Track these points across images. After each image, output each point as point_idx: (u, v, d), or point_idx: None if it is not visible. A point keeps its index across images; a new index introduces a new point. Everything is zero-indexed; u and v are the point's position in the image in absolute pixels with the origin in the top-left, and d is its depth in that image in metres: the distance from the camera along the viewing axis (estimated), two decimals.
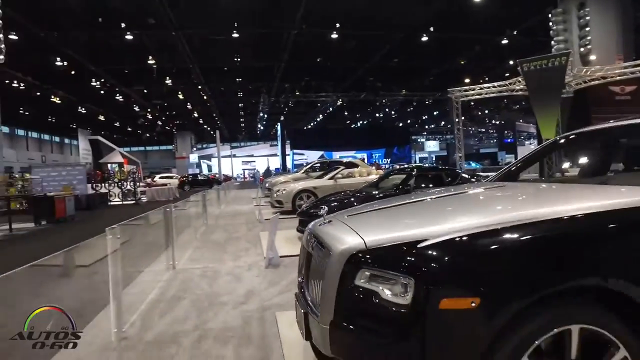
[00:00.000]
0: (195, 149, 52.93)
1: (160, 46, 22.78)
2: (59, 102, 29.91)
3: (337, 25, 20.75)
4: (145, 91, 30.71)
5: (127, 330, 2.86)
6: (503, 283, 1.30)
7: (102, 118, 38.44)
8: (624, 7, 16.32)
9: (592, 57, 16.04)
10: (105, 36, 20.52)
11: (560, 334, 1.26)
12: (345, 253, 1.47)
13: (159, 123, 42.53)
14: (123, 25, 19.19)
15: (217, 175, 30.15)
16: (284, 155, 35.09)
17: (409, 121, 40.01)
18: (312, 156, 32.42)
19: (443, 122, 38.07)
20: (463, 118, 21.46)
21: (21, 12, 16.14)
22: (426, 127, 45.18)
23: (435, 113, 35.11)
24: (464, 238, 1.37)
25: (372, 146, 34.12)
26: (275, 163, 38.10)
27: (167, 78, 27.72)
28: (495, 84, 13.44)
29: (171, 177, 28.14)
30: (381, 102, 31.07)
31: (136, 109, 35.66)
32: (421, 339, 1.26)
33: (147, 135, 51.43)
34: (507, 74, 24.01)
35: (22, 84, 25.57)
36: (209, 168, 47.88)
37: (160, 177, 27.76)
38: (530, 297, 1.26)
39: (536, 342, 1.25)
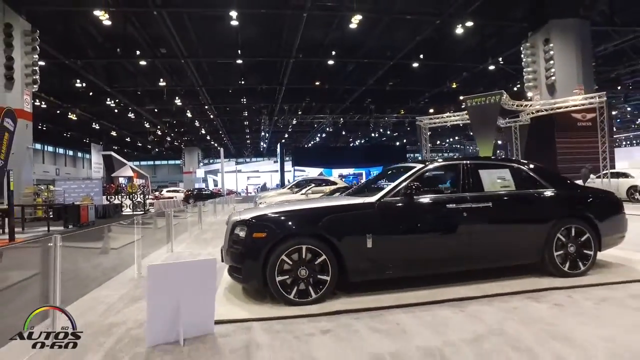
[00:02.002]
0: (202, 164, 55.73)
1: (171, 71, 25.65)
2: (75, 119, 32.87)
3: (333, 53, 23.20)
4: (155, 110, 33.56)
5: (144, 270, 5.11)
6: (276, 228, 3.47)
7: (114, 134, 41.48)
8: (583, 43, 18.52)
9: (556, 87, 18.27)
10: (122, 62, 23.36)
11: (298, 248, 3.43)
12: (234, 222, 3.71)
13: (168, 139, 45.43)
14: (138, 52, 21.94)
15: (220, 190, 32.65)
16: (282, 172, 37.62)
17: (404, 140, 42.35)
18: (313, 173, 34.74)
19: (438, 142, 40.41)
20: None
21: (50, 42, 18.93)
22: (437, 142, 47.65)
23: (429, 134, 37.34)
24: (270, 214, 3.63)
25: (370, 164, 36.25)
26: (277, 179, 40.67)
27: (177, 98, 30.50)
28: (456, 113, 15.65)
29: (177, 191, 30.74)
30: (378, 122, 33.42)
31: (147, 125, 38.58)
32: (247, 248, 3.45)
33: (156, 150, 54.49)
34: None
35: (43, 103, 28.54)
36: (215, 183, 50.55)
37: (167, 191, 30.38)
38: (286, 234, 3.44)
39: (287, 250, 3.43)
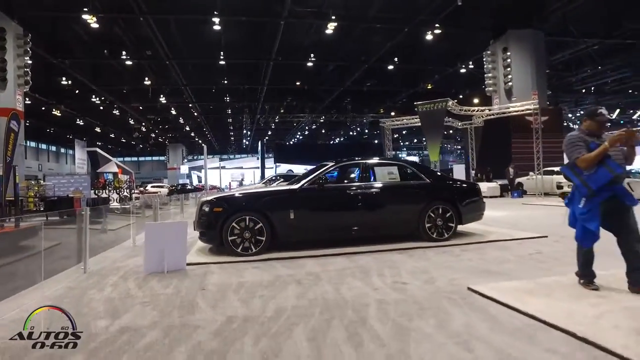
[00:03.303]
0: (186, 160, 57.00)
1: (156, 70, 27.05)
2: (60, 115, 33.92)
3: (312, 55, 24.89)
4: (141, 108, 34.88)
5: (137, 243, 6.81)
6: (228, 205, 5.22)
7: (98, 130, 42.56)
8: (538, 52, 20.61)
9: (513, 92, 20.32)
10: (108, 62, 24.70)
11: (243, 218, 5.12)
12: (201, 201, 5.45)
13: (152, 135, 46.67)
14: (124, 53, 23.31)
15: (203, 186, 34.19)
16: (263, 168, 39.36)
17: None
18: (296, 169, 36.41)
19: (415, 140, 42.66)
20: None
21: (38, 43, 20.21)
22: (406, 142, 49.87)
23: (404, 132, 39.45)
24: (226, 196, 5.41)
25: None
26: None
27: (162, 96, 31.87)
28: (414, 116, 17.53)
29: (161, 187, 32.22)
30: (355, 121, 35.32)
31: (132, 122, 39.80)
32: (209, 218, 5.18)
33: (141, 146, 55.59)
34: (455, 100, 28.52)
35: (27, 99, 29.61)
36: (199, 179, 51.92)
37: (152, 187, 31.84)
38: (236, 209, 5.18)
39: (236, 219, 5.16)
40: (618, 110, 31.20)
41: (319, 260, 4.86)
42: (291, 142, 46.82)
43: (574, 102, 28.95)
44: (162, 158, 59.70)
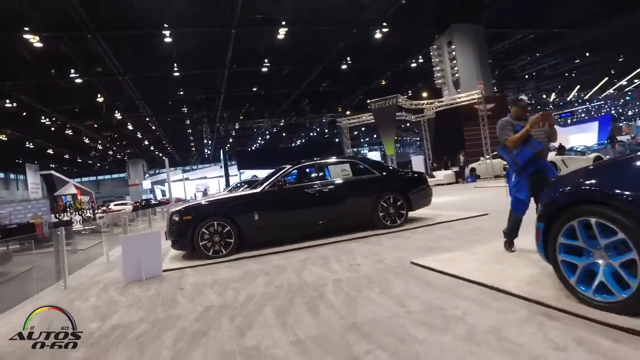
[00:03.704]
0: (147, 175, 55.84)
1: (108, 87, 26.59)
2: (6, 139, 32.54)
3: (266, 60, 25.28)
4: (95, 125, 34.03)
5: (111, 259, 7.07)
6: (197, 213, 5.65)
7: (50, 152, 41.05)
8: (480, 44, 22.02)
9: (460, 83, 21.59)
10: (56, 82, 24.07)
11: (212, 224, 5.58)
12: (171, 212, 5.85)
13: (110, 153, 45.50)
14: (72, 71, 22.81)
15: (168, 199, 33.82)
16: (227, 176, 39.44)
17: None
18: (261, 174, 36.66)
19: (375, 136, 43.96)
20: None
21: None
22: (366, 139, 51.27)
23: (363, 129, 40.63)
24: (194, 205, 5.87)
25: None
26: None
27: (116, 112, 31.27)
28: (369, 114, 18.38)
29: (125, 204, 31.64)
30: (314, 122, 36.04)
31: (87, 141, 38.69)
32: (180, 227, 5.60)
33: (98, 164, 53.96)
34: (409, 94, 29.85)
35: None
36: (163, 193, 51.03)
37: (115, 205, 31.19)
38: (204, 216, 5.63)
39: (205, 225, 5.61)
40: (554, 94, 33.58)
41: (284, 255, 5.39)
42: (253, 148, 47.01)
43: (517, 88, 30.97)
44: (122, 175, 58.16)
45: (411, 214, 6.89)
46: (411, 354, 2.15)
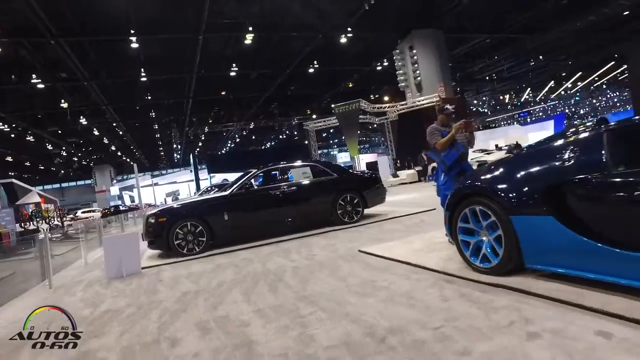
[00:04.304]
0: (115, 181, 54.87)
1: (73, 93, 26.34)
2: None
3: (234, 65, 25.70)
4: (59, 132, 33.41)
5: (89, 261, 7.53)
6: (171, 215, 6.28)
7: (9, 159, 39.82)
8: (440, 48, 23.27)
9: (423, 86, 22.78)
10: (17, 87, 23.64)
11: (186, 224, 6.22)
12: (147, 215, 6.43)
13: (75, 159, 44.55)
14: (34, 77, 22.49)
15: (138, 205, 33.66)
16: (197, 180, 39.59)
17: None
18: (231, 178, 36.98)
19: (344, 137, 45.29)
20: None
21: None
22: (335, 140, 52.43)
23: (332, 131, 41.67)
24: (168, 207, 6.46)
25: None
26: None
27: (82, 118, 30.83)
28: (334, 117, 19.28)
29: (93, 211, 31.30)
30: (283, 125, 36.70)
31: (50, 147, 37.82)
32: (156, 228, 6.21)
33: (62, 172, 52.61)
34: (376, 96, 31.08)
35: None
36: (132, 199, 50.34)
37: (83, 212, 30.83)
38: (178, 217, 6.26)
39: (179, 226, 6.23)
40: (508, 95, 35.69)
41: (252, 250, 6.08)
42: (223, 152, 47.18)
43: (476, 89, 32.70)
44: (88, 182, 56.85)
45: (368, 210, 7.71)
46: (343, 311, 2.89)
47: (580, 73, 32.89)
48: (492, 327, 2.27)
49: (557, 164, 2.77)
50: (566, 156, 2.73)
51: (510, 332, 2.18)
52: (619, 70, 30.19)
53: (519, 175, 2.98)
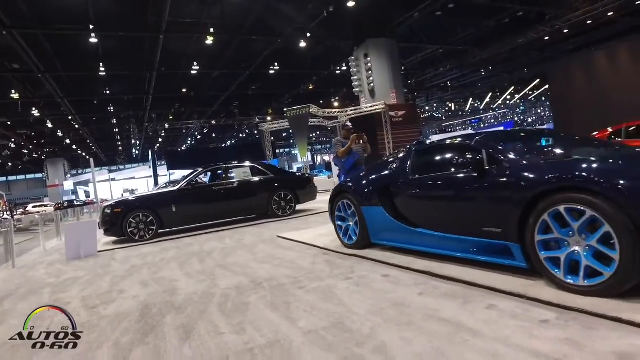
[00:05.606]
0: (69, 175, 53.77)
1: (25, 84, 26.18)
2: None
3: (195, 63, 26.44)
4: (8, 123, 32.84)
5: (47, 248, 8.46)
6: (125, 206, 7.42)
7: None
8: (393, 57, 25.00)
9: (376, 92, 24.46)
10: None
11: (138, 214, 7.36)
12: (103, 206, 7.51)
13: (26, 152, 43.52)
14: None
15: (94, 200, 33.61)
16: (156, 176, 39.92)
17: (272, 138, 47.69)
18: None
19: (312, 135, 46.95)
20: None
21: None
22: (292, 141, 54.11)
23: (290, 131, 43.03)
24: (123, 200, 7.57)
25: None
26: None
27: (34, 109, 30.51)
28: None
29: (45, 206, 31.10)
30: (243, 124, 37.65)
31: None
32: (112, 218, 7.32)
33: (10, 164, 51.03)
34: (336, 98, 32.74)
35: None
36: (87, 194, 49.60)
37: (33, 207, 30.60)
38: (131, 208, 7.40)
39: (132, 216, 7.36)
40: (453, 104, 38.48)
41: (194, 237, 7.31)
42: (183, 148, 47.52)
43: (426, 97, 35.04)
44: (39, 175, 55.32)
45: (301, 206, 9.08)
46: (243, 272, 4.21)
47: (513, 87, 36.02)
48: (329, 276, 3.65)
49: (386, 172, 4.22)
50: (392, 167, 4.18)
51: (337, 278, 3.57)
52: (545, 87, 33.36)
53: (368, 179, 4.41)
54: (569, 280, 2.45)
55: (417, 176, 3.88)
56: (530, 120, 54.19)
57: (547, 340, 1.93)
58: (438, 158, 3.81)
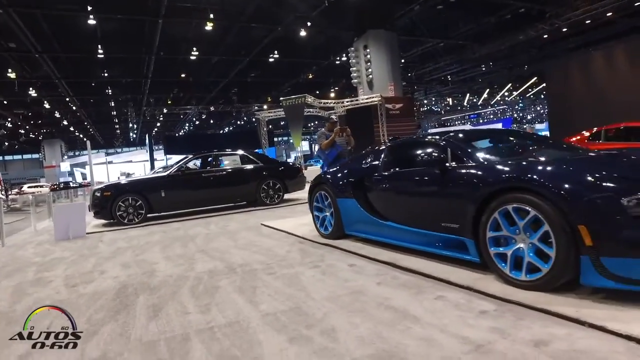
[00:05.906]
0: (66, 157, 53.75)
1: (22, 63, 26.09)
2: None
3: (194, 49, 26.36)
4: (5, 102, 32.75)
5: (38, 228, 8.63)
6: (115, 190, 7.57)
7: None
8: (392, 49, 24.99)
9: (374, 84, 24.50)
10: None
11: (127, 198, 7.52)
12: (93, 189, 7.67)
13: (22, 132, 43.46)
14: None
15: (89, 183, 33.74)
16: (152, 161, 40.02)
17: (270, 126, 47.64)
18: None
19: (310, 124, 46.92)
20: None
21: None
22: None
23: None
24: (113, 183, 7.72)
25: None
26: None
27: (31, 89, 30.41)
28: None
29: (41, 186, 31.22)
30: (242, 111, 37.66)
31: None
32: (101, 201, 7.48)
33: (7, 144, 50.96)
34: (335, 88, 32.73)
35: None
36: (84, 176, 49.68)
37: (29, 187, 30.72)
38: (120, 192, 7.56)
39: (121, 199, 7.53)
40: (451, 98, 38.54)
41: (182, 222, 7.48)
42: (181, 133, 47.54)
43: (424, 91, 35.05)
44: (35, 156, 55.30)
45: (290, 195, 9.24)
46: (221, 257, 4.38)
47: (510, 84, 36.06)
48: (300, 264, 3.82)
49: (361, 166, 4.38)
50: (367, 161, 4.34)
51: (306, 265, 3.74)
52: (543, 85, 33.38)
53: (344, 172, 4.57)
54: (513, 275, 2.62)
55: (388, 171, 4.03)
56: (529, 117, 54.30)
57: (479, 329, 2.10)
58: (409, 154, 3.95)
